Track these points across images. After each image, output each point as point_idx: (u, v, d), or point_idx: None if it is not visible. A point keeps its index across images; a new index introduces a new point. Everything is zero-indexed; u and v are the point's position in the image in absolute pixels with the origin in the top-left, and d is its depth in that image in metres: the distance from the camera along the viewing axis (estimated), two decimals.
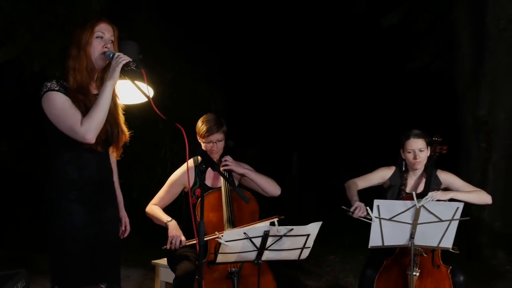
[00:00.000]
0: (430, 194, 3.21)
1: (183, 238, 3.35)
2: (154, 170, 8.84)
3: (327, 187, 12.30)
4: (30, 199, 9.24)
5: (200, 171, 2.55)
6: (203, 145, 3.50)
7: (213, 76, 9.72)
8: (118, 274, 2.86)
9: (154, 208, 3.58)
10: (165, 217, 3.50)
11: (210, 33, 11.10)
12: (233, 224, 3.29)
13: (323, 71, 13.37)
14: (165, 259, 3.66)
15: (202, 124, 3.47)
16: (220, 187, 3.46)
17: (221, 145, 3.50)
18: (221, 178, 3.49)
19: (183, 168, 3.61)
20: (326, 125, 13.87)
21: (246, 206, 3.41)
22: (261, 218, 3.34)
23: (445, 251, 3.36)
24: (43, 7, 6.78)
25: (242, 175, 3.55)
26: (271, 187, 3.58)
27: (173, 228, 3.40)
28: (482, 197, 3.63)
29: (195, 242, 3.15)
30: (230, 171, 3.55)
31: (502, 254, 6.53)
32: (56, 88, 2.58)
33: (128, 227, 2.98)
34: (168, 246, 3.34)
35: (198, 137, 3.53)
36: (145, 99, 3.34)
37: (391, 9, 7.76)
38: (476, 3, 6.69)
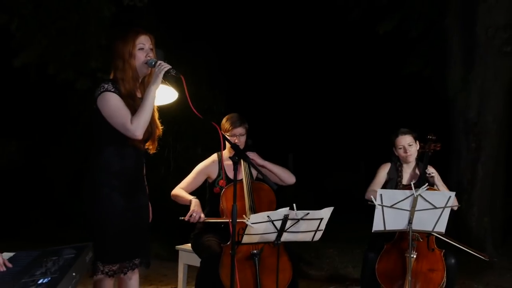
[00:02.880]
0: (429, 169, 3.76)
1: (202, 215, 3.72)
2: (157, 169, 9.23)
3: (322, 187, 12.72)
4: (40, 196, 9.62)
5: (233, 162, 2.95)
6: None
7: (214, 79, 10.09)
8: (148, 251, 3.27)
9: (180, 190, 3.98)
10: (189, 196, 3.88)
11: (208, 37, 11.40)
12: (255, 211, 3.69)
13: (319, 74, 13.68)
14: (188, 244, 4.06)
15: (226, 121, 3.92)
16: (241, 179, 3.88)
17: (243, 139, 3.91)
18: (242, 171, 3.90)
19: (209, 159, 4.04)
20: (321, 127, 14.21)
21: (264, 196, 3.87)
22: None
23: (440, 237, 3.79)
24: (59, 14, 7.14)
25: (262, 166, 3.96)
26: (287, 176, 4.02)
27: (196, 204, 3.79)
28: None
29: (215, 220, 3.57)
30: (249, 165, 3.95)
31: (490, 247, 6.85)
32: (112, 90, 2.98)
33: (150, 214, 3.37)
34: (186, 218, 3.69)
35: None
36: (169, 101, 3.78)
37: (385, 16, 8.08)
38: (466, 13, 7.03)
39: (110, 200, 3.01)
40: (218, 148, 4.24)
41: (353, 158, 13.97)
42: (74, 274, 1.96)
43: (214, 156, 4.12)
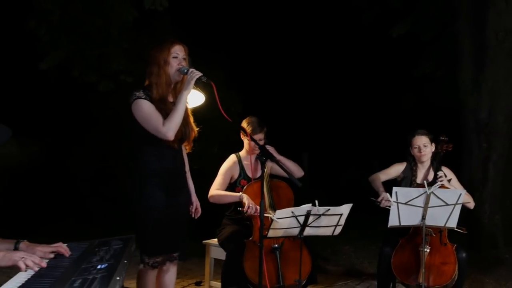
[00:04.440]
0: (440, 173, 3.97)
1: (258, 207, 3.94)
2: None
3: (336, 185, 12.89)
4: (63, 194, 9.92)
5: (260, 162, 3.19)
6: (246, 142, 4.20)
7: (231, 81, 10.34)
8: (186, 246, 3.54)
9: (220, 191, 4.20)
10: (236, 193, 4.10)
11: (224, 40, 11.64)
12: (274, 208, 3.94)
13: (333, 74, 13.84)
14: (215, 239, 4.31)
15: (247, 125, 4.15)
16: (259, 177, 4.12)
17: (261, 143, 4.16)
18: (260, 170, 4.14)
19: (230, 160, 4.30)
20: (335, 126, 14.36)
21: (283, 194, 4.12)
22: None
23: (451, 233, 4.01)
24: (84, 19, 7.43)
25: (278, 161, 4.19)
26: (296, 169, 4.24)
27: (249, 198, 4.00)
28: (469, 199, 4.24)
29: (266, 215, 3.82)
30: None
31: (501, 244, 7.03)
32: (143, 97, 3.25)
33: (200, 209, 3.64)
34: (245, 209, 3.92)
35: (241, 136, 4.22)
36: (197, 104, 4.04)
37: (398, 20, 8.28)
38: (477, 16, 7.19)
39: (152, 197, 3.29)
40: (234, 147, 4.53)
41: (367, 156, 14.12)
42: (125, 261, 2.22)
43: (234, 157, 4.37)
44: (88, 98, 9.75)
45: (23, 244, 2.46)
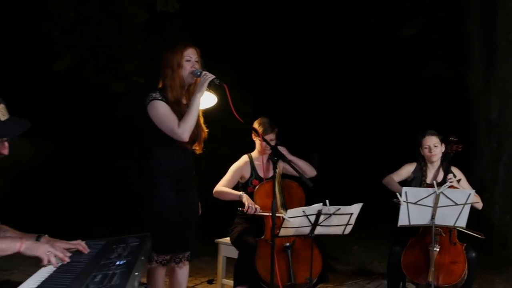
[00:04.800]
0: (450, 175, 4.03)
1: (258, 207, 4.03)
2: None
3: (346, 185, 12.92)
4: (75, 195, 10.03)
5: (272, 162, 3.26)
6: (258, 143, 4.27)
7: (241, 81, 10.41)
8: (197, 244, 3.61)
9: (225, 188, 4.28)
10: (237, 192, 4.19)
11: (234, 41, 11.70)
12: (286, 208, 4.00)
13: (343, 75, 13.88)
14: (227, 238, 4.38)
15: (259, 126, 4.22)
16: (271, 177, 4.18)
17: (273, 143, 4.22)
18: (272, 170, 4.19)
19: (242, 161, 4.37)
20: (345, 127, 14.41)
21: (294, 193, 4.18)
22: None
23: (462, 233, 4.05)
24: (97, 21, 7.55)
25: (290, 161, 4.25)
26: (309, 169, 4.30)
27: (248, 198, 4.09)
28: (477, 199, 4.28)
29: (267, 214, 3.90)
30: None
31: (511, 244, 7.10)
32: (159, 98, 3.33)
33: (200, 209, 3.71)
34: (245, 210, 4.00)
35: (253, 137, 4.28)
36: (209, 106, 4.10)
37: (407, 21, 8.34)
38: (487, 17, 7.23)
39: (163, 197, 3.37)
40: (244, 148, 4.60)
41: (377, 157, 14.15)
42: (142, 258, 2.29)
43: (246, 158, 4.43)
44: (100, 99, 9.85)
45: (44, 239, 2.54)
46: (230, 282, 4.38)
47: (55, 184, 10.04)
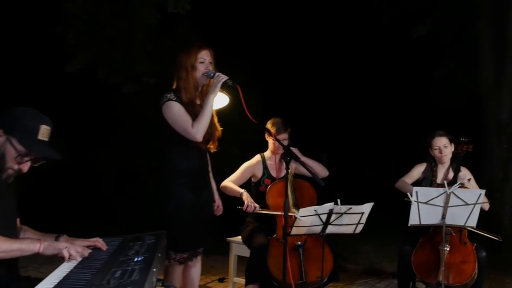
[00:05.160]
0: (460, 174, 4.08)
1: (257, 205, 4.07)
2: None
3: (355, 186, 12.94)
4: (88, 194, 10.13)
5: (285, 162, 3.31)
6: (270, 142, 4.32)
7: (250, 82, 10.46)
8: (210, 242, 3.67)
9: (230, 183, 4.33)
10: (239, 189, 4.23)
11: (243, 40, 11.74)
12: (298, 207, 4.05)
13: (352, 75, 13.91)
14: (238, 236, 4.44)
15: (272, 126, 4.27)
16: (283, 176, 4.24)
17: (286, 143, 4.27)
18: (284, 170, 4.25)
19: (254, 160, 4.42)
20: (354, 127, 14.43)
21: (306, 193, 4.23)
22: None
23: (472, 233, 4.07)
24: (109, 23, 7.64)
25: (302, 162, 4.30)
26: (321, 169, 4.34)
27: (248, 196, 4.14)
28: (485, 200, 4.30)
29: (267, 212, 3.98)
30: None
31: None
32: (173, 99, 3.39)
33: (221, 207, 3.77)
34: (244, 208, 4.05)
35: (266, 136, 4.34)
36: (221, 106, 4.16)
37: (418, 21, 8.35)
38: (498, 17, 7.25)
39: (179, 196, 3.44)
40: (253, 148, 4.65)
41: (386, 157, 14.16)
42: (159, 255, 2.35)
43: (258, 157, 4.49)
44: (112, 99, 9.95)
45: (63, 238, 2.61)
46: (241, 281, 4.44)
47: (68, 183, 10.15)
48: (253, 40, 12.18)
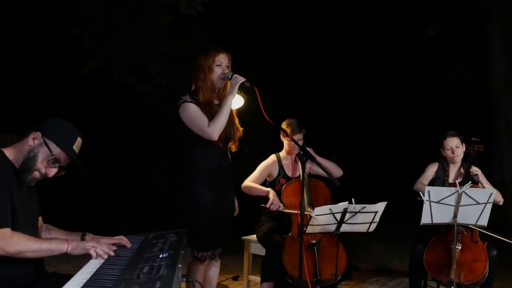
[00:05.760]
0: (472, 170, 4.20)
1: (281, 204, 4.15)
2: None
3: (365, 186, 12.99)
4: (101, 193, 10.26)
5: (301, 162, 3.40)
6: (285, 143, 4.42)
7: (261, 83, 10.52)
8: (229, 241, 3.76)
9: (253, 183, 4.43)
10: (265, 188, 4.32)
11: (254, 41, 11.82)
12: (312, 206, 4.13)
13: (362, 76, 13.96)
14: (253, 235, 4.53)
15: (287, 127, 4.36)
16: (298, 176, 4.33)
17: (300, 143, 4.36)
18: (300, 170, 4.34)
19: (270, 160, 4.52)
20: (365, 127, 14.48)
21: (321, 192, 4.32)
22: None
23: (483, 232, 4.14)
24: (124, 24, 7.75)
25: (318, 162, 4.38)
26: (335, 169, 4.43)
27: (274, 194, 4.22)
28: (499, 197, 4.37)
29: (289, 211, 4.06)
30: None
31: None
32: (189, 100, 3.49)
33: (237, 208, 3.86)
34: (268, 206, 4.13)
35: (281, 137, 4.43)
36: (236, 107, 4.25)
37: (429, 22, 8.41)
38: (508, 19, 7.32)
39: (199, 195, 3.53)
40: (264, 148, 4.74)
41: (396, 157, 14.19)
42: (182, 252, 2.45)
43: (274, 157, 4.59)
44: (126, 100, 10.08)
45: (89, 236, 2.72)
46: (256, 278, 4.53)
47: (82, 183, 10.27)
48: (263, 41, 12.25)
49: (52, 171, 2.55)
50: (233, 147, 3.74)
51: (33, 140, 2.52)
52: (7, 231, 2.34)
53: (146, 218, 9.30)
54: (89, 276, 2.14)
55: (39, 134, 2.52)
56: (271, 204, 4.13)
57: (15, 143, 2.57)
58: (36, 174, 2.54)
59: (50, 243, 2.46)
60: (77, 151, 2.59)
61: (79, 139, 2.59)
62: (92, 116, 10.55)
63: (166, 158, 9.97)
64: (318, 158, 4.27)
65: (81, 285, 2.03)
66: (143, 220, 9.16)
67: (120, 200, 10.10)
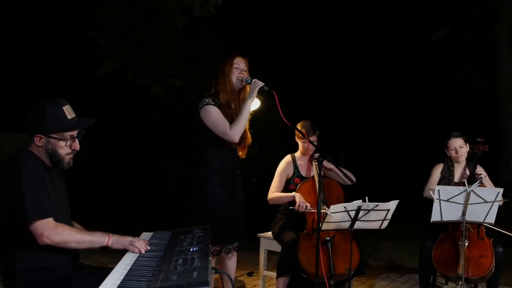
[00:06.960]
0: (477, 170, 4.33)
1: (308, 205, 4.31)
2: None
3: (374, 185, 13.12)
4: (115, 192, 10.47)
5: (318, 162, 3.58)
6: (300, 144, 4.60)
7: (271, 84, 10.68)
8: (244, 236, 3.96)
9: (277, 193, 4.58)
10: (289, 194, 4.47)
11: (262, 41, 11.97)
12: (326, 204, 4.31)
13: (370, 77, 14.09)
14: (268, 232, 4.71)
15: (301, 128, 4.53)
16: (313, 176, 4.51)
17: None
18: (314, 169, 4.52)
19: (285, 161, 4.69)
20: (373, 128, 14.60)
21: (334, 191, 4.49)
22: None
23: (489, 228, 4.30)
24: (139, 27, 7.95)
25: (330, 169, 4.58)
26: (350, 174, 4.59)
27: (301, 196, 4.38)
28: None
29: (314, 211, 4.20)
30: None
31: None
32: (211, 103, 3.70)
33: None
34: (296, 207, 4.29)
35: (296, 138, 4.61)
36: (253, 109, 4.43)
37: (438, 24, 8.55)
38: None
39: (213, 193, 3.75)
40: (273, 147, 4.89)
41: (404, 157, 14.30)
42: (210, 246, 2.64)
43: (289, 157, 4.76)
44: (140, 101, 10.29)
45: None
46: (270, 274, 4.71)
47: (96, 181, 10.49)
48: (272, 42, 12.40)
49: (76, 144, 2.72)
50: (241, 153, 3.94)
51: (40, 141, 2.65)
52: (51, 220, 2.50)
53: (159, 216, 9.50)
54: (128, 267, 2.33)
55: (38, 136, 2.64)
56: (299, 205, 4.30)
57: (31, 144, 2.69)
58: (67, 157, 2.71)
59: (93, 235, 2.61)
60: (73, 115, 2.69)
61: (66, 107, 2.67)
62: (107, 117, 10.76)
63: (179, 157, 10.17)
64: (335, 168, 4.44)
65: (123, 275, 2.22)
66: (156, 218, 9.36)
67: (134, 198, 10.31)
